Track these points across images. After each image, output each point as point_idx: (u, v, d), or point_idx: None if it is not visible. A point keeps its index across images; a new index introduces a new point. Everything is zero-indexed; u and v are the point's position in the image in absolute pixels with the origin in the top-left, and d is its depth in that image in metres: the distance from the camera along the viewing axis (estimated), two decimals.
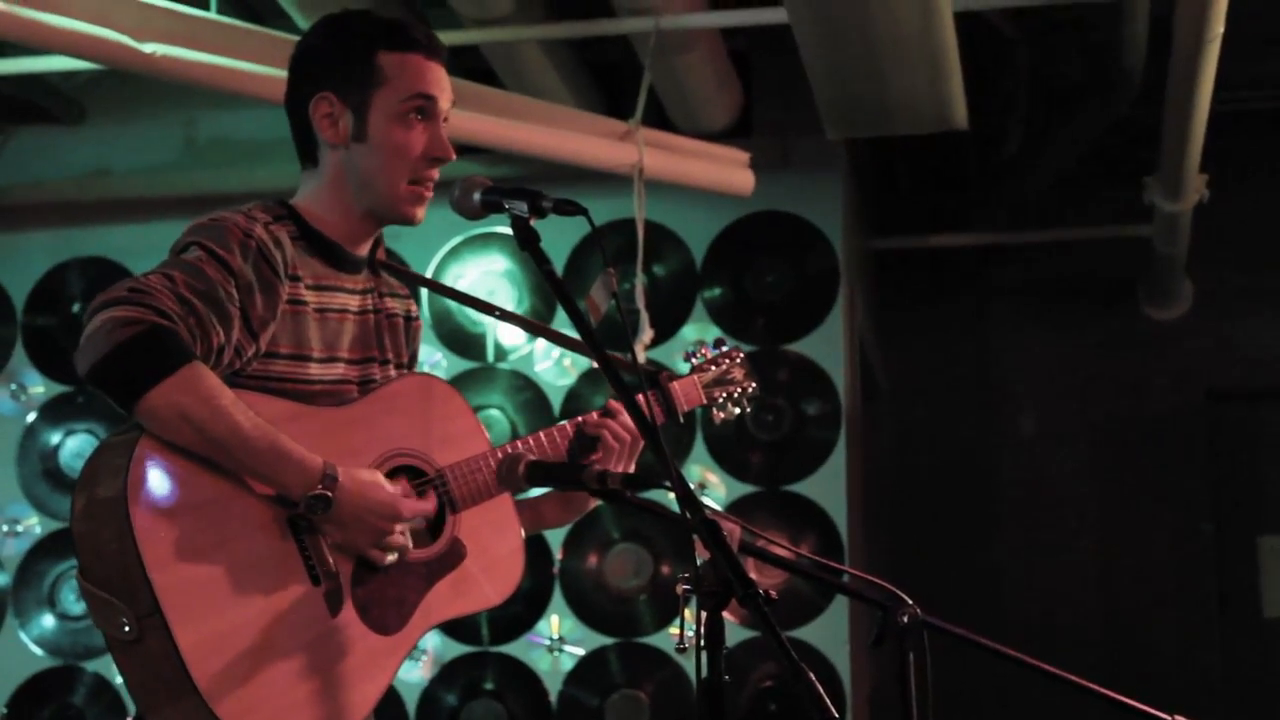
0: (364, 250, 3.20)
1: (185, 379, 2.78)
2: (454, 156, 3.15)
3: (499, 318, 3.48)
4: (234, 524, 2.86)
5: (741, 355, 3.61)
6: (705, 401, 3.52)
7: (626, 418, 3.27)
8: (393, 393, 3.15)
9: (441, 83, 3.15)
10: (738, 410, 3.58)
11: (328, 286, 3.12)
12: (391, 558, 2.98)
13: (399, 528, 2.96)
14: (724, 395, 3.55)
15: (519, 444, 3.22)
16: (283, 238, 3.02)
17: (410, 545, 3.01)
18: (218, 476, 2.85)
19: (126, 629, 2.75)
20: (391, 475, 3.03)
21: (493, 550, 3.16)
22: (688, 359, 3.59)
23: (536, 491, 3.32)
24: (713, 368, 3.56)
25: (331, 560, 2.93)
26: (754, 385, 3.60)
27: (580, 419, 3.31)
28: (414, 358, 3.36)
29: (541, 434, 3.26)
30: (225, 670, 2.77)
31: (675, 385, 3.45)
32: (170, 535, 2.77)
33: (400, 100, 3.09)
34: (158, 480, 2.80)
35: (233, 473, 2.86)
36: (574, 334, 3.13)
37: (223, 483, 2.86)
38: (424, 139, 3.11)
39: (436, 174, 3.15)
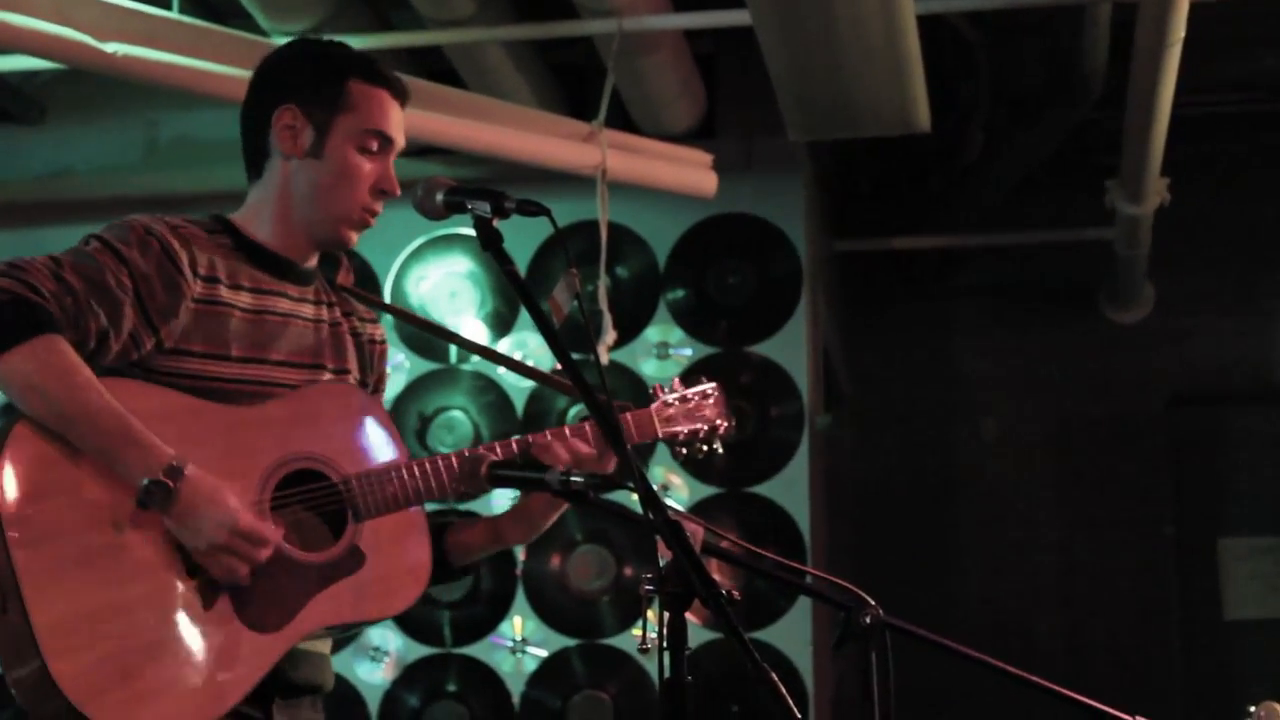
0: (310, 263, 3.25)
1: (37, 349, 2.82)
2: (399, 193, 3.20)
3: (464, 347, 3.48)
4: (114, 510, 2.87)
5: (717, 393, 3.47)
6: (661, 437, 3.39)
7: (575, 442, 3.24)
8: (309, 397, 3.17)
9: (400, 126, 3.23)
10: (705, 448, 3.45)
11: (269, 291, 3.16)
12: (222, 573, 2.93)
13: (242, 546, 2.90)
14: (687, 432, 3.42)
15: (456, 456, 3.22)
16: (197, 240, 3.08)
17: (245, 579, 2.94)
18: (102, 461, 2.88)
19: None
20: (290, 478, 3.05)
21: (394, 563, 3.15)
22: (657, 393, 3.44)
23: (497, 508, 3.30)
24: (677, 403, 3.43)
25: None
26: (727, 424, 3.46)
27: (530, 437, 3.27)
28: (381, 379, 3.41)
29: (481, 448, 3.22)
30: (78, 649, 2.78)
31: (628, 416, 3.35)
32: (38, 515, 2.81)
33: (362, 130, 3.17)
34: (30, 460, 2.83)
35: None
36: (538, 341, 3.12)
37: (108, 468, 2.88)
38: (375, 171, 3.18)
39: (380, 208, 3.21)
